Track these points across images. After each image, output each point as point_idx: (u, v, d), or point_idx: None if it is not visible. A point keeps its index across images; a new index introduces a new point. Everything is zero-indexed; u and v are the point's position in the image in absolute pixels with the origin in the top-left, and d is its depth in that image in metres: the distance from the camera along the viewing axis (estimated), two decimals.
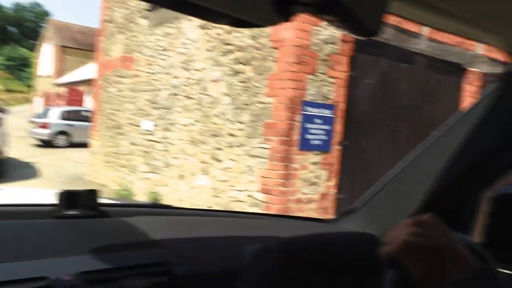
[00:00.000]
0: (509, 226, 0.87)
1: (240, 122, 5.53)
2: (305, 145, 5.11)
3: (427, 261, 0.65)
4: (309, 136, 5.14)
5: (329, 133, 5.33)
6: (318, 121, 5.20)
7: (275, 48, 5.12)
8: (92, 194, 1.13)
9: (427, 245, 0.66)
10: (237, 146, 5.55)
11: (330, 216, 4.73)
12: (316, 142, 5.22)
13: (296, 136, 5.02)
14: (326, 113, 5.28)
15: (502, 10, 0.65)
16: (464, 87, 6.90)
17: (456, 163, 0.89)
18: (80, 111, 16.95)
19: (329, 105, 5.31)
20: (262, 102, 5.22)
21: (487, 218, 0.87)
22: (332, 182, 5.42)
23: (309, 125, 5.12)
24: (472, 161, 0.88)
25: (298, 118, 5.02)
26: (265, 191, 5.08)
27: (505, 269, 1.01)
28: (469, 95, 6.88)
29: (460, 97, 6.89)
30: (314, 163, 5.22)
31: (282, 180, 4.95)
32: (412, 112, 6.27)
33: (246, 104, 5.47)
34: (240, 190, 5.45)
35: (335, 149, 5.40)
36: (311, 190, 5.21)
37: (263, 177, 5.12)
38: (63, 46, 31.63)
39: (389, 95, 6.00)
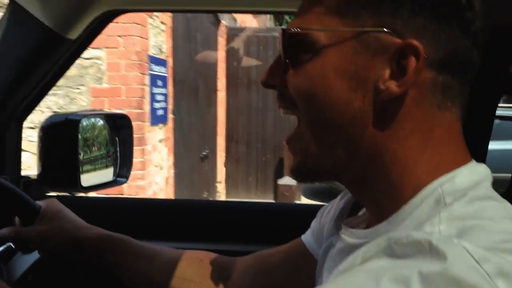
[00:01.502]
0: (55, 153, 0.91)
1: None
2: (155, 118, 3.68)
3: None
4: (156, 105, 3.72)
5: (166, 98, 4.02)
6: (159, 83, 3.81)
7: None
8: None
9: None
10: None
11: None
12: (160, 112, 3.84)
13: (147, 107, 3.52)
14: (163, 71, 3.93)
15: None
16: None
17: None
18: None
19: (163, 60, 3.96)
20: (84, 58, 3.34)
21: (40, 147, 0.90)
22: (171, 161, 4.20)
23: (155, 90, 3.69)
24: None
25: (147, 80, 3.51)
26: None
27: (64, 192, 1.10)
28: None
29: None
30: (160, 141, 3.86)
31: (139, 172, 3.42)
32: None
33: None
34: None
35: (170, 118, 4.16)
36: (161, 177, 3.87)
37: None
38: None
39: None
